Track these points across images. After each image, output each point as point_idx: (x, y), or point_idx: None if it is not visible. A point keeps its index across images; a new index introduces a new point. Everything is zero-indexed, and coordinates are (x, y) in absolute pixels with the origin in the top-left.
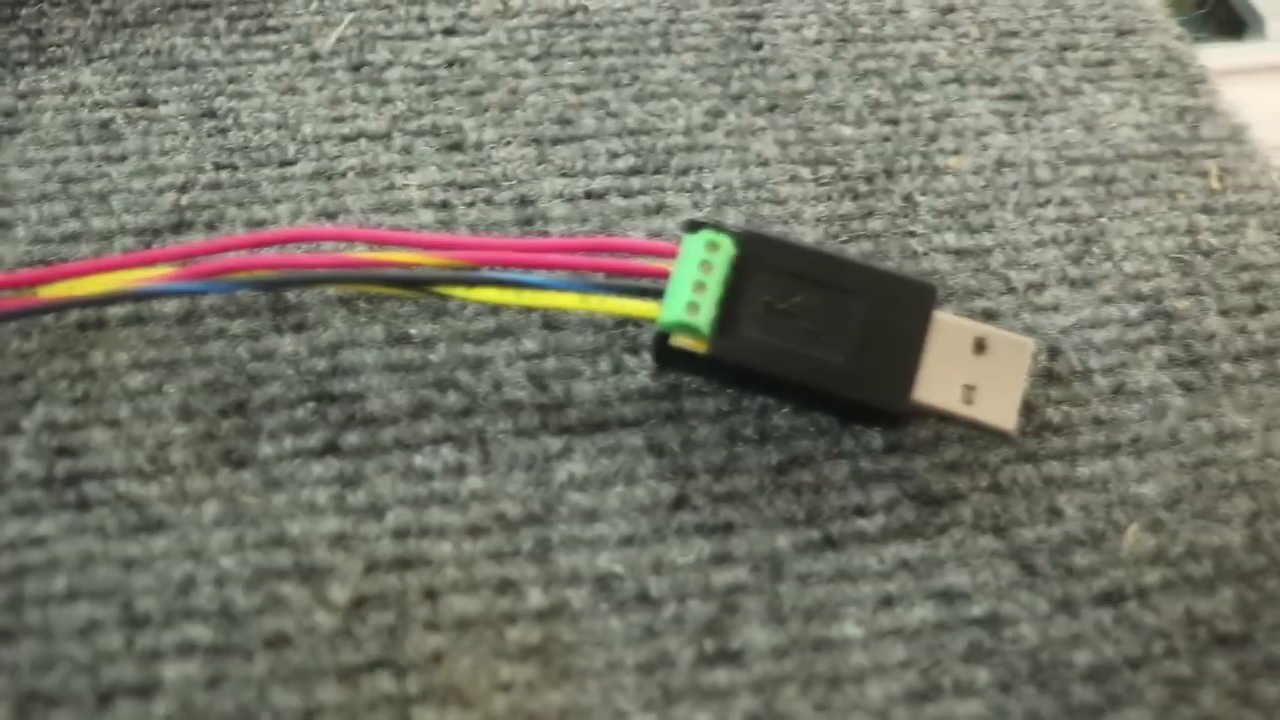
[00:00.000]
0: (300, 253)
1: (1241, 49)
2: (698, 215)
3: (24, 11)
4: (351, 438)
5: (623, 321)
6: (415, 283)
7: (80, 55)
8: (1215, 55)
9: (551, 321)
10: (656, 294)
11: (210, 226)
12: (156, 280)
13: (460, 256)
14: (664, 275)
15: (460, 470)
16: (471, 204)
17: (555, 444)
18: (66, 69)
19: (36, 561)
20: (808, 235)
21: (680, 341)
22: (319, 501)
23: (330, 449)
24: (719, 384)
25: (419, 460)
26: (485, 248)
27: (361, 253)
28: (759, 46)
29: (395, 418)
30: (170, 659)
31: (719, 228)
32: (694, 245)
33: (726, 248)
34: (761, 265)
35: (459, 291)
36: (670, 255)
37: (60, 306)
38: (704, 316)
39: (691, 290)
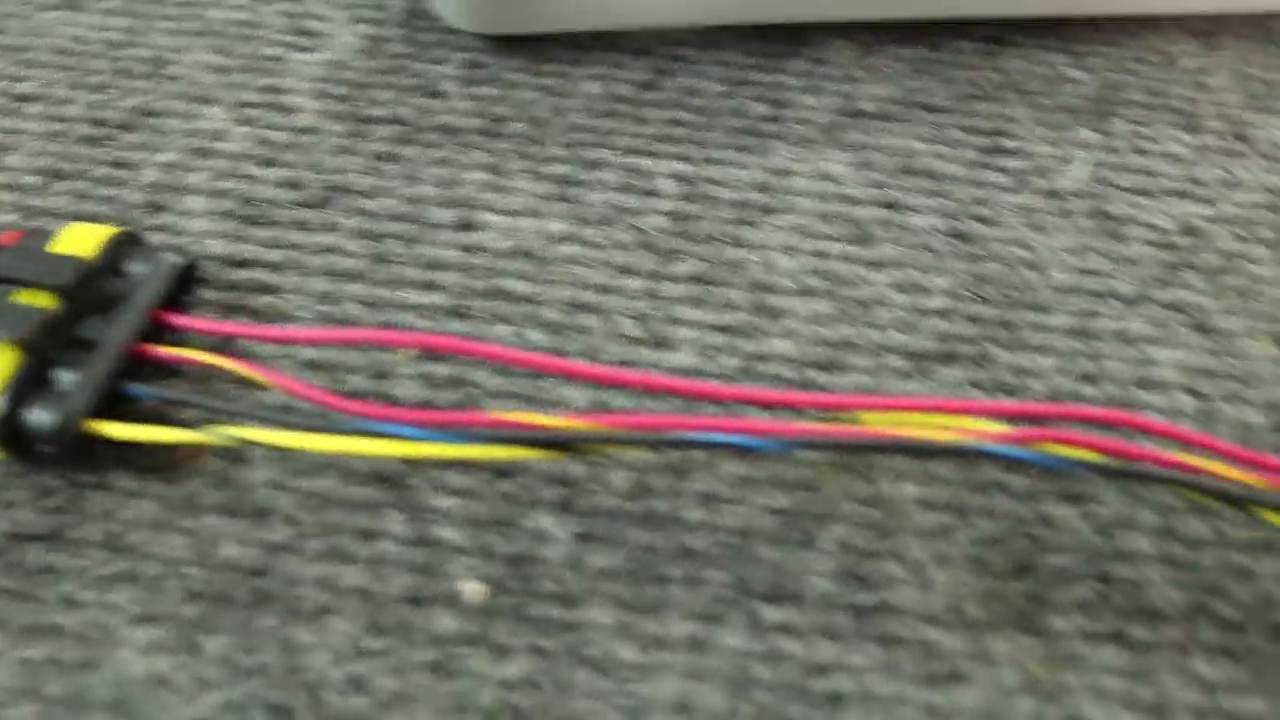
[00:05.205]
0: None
1: None
2: None
3: (762, 77)
4: (1135, 629)
5: None
6: (1231, 498)
7: (823, 139)
8: None
9: None
10: None
11: (977, 364)
12: (986, 438)
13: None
14: None
15: (1238, 687)
16: (1227, 399)
17: None
18: (812, 152)
19: (850, 691)
20: None
21: None
22: (1109, 690)
23: (1116, 637)
24: None
25: (1200, 667)
26: None
27: (1177, 452)
28: None
29: (1173, 616)
30: None
31: None
32: None
33: None
34: None
35: (1273, 517)
36: None
37: (891, 447)
38: None
39: None
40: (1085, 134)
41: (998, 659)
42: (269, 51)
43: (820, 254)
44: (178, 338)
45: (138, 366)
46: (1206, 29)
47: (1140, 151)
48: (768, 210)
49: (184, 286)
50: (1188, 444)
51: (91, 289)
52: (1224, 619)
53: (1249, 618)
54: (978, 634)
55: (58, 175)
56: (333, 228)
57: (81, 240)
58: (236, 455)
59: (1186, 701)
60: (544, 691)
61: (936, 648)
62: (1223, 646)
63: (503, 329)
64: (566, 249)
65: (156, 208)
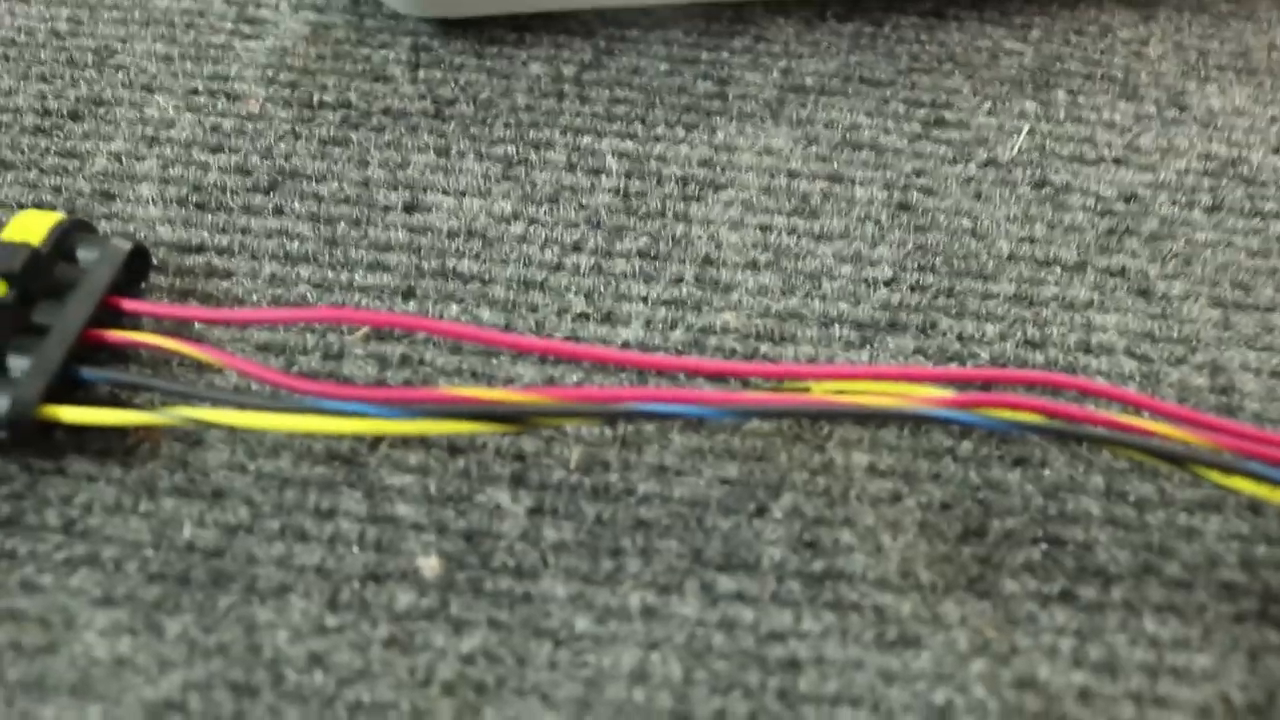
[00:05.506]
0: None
1: None
2: None
3: (705, 55)
4: (1084, 590)
5: None
6: (1174, 459)
7: (767, 115)
8: None
9: (1256, 505)
10: None
11: (923, 332)
12: (932, 404)
13: (1223, 442)
14: None
15: (1186, 644)
16: (1169, 362)
17: (1275, 637)
18: (756, 127)
19: (805, 657)
20: None
21: None
22: (1060, 650)
23: (1066, 597)
24: None
25: (1149, 625)
26: (1246, 437)
27: (1120, 414)
28: None
29: (1121, 576)
30: None
31: None
32: None
33: None
34: None
35: (1214, 475)
36: None
37: (839, 414)
38: None
39: None
40: (1026, 105)
41: (950, 622)
42: (215, 39)
43: (765, 228)
44: (131, 322)
45: (91, 351)
46: (1143, 0)
47: (1080, 121)
48: (713, 186)
49: (138, 272)
50: (1132, 406)
51: (42, 275)
52: (1171, 578)
53: (1196, 576)
54: (930, 598)
55: (6, 166)
56: (282, 212)
57: (31, 227)
58: (193, 438)
59: (1137, 660)
60: (503, 664)
61: (889, 612)
62: (1171, 605)
63: (453, 308)
64: (515, 228)
65: (107, 196)
